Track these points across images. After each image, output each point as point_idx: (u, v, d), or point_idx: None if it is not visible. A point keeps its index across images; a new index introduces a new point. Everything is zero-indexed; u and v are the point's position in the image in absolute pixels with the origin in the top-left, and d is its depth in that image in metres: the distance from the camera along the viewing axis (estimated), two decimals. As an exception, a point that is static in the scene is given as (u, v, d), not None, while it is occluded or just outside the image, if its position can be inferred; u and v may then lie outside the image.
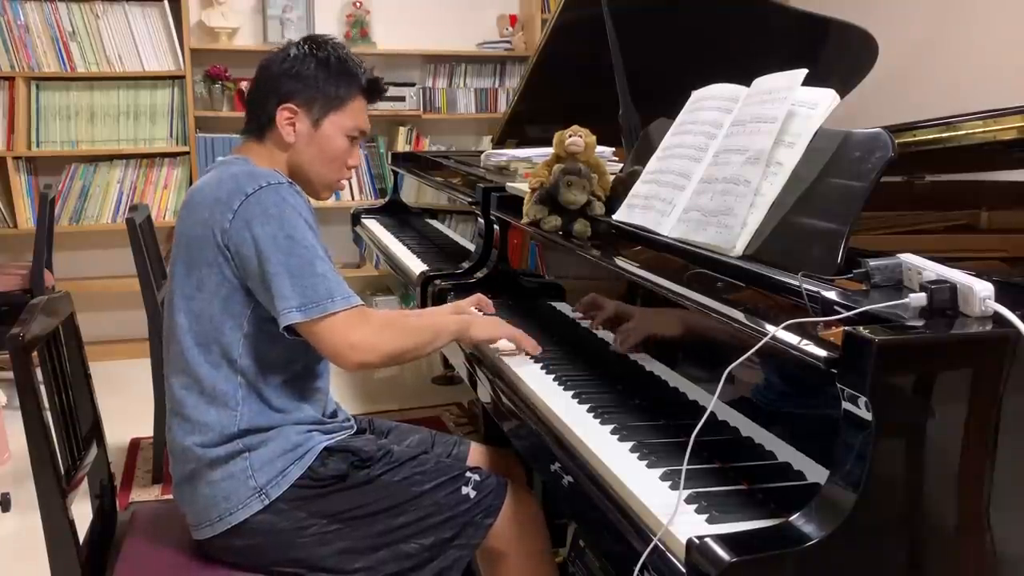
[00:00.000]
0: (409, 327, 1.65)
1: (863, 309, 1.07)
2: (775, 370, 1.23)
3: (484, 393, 1.81)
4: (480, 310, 1.93)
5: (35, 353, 1.46)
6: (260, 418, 1.56)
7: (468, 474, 1.63)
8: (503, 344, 1.77)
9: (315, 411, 1.65)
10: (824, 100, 1.40)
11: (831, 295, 1.14)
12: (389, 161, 4.11)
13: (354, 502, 1.57)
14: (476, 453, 1.89)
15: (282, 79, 1.65)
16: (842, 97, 1.42)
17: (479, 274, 2.35)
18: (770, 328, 1.13)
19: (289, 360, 1.59)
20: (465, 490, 1.60)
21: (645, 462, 1.29)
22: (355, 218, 3.75)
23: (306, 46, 1.67)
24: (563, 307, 1.98)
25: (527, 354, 1.75)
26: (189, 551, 1.59)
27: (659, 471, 1.25)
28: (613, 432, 1.40)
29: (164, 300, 1.66)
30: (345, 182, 1.76)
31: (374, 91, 1.73)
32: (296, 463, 1.56)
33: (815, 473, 1.14)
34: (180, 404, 1.58)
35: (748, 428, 1.29)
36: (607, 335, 1.75)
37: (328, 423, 1.67)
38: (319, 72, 1.65)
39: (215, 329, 1.55)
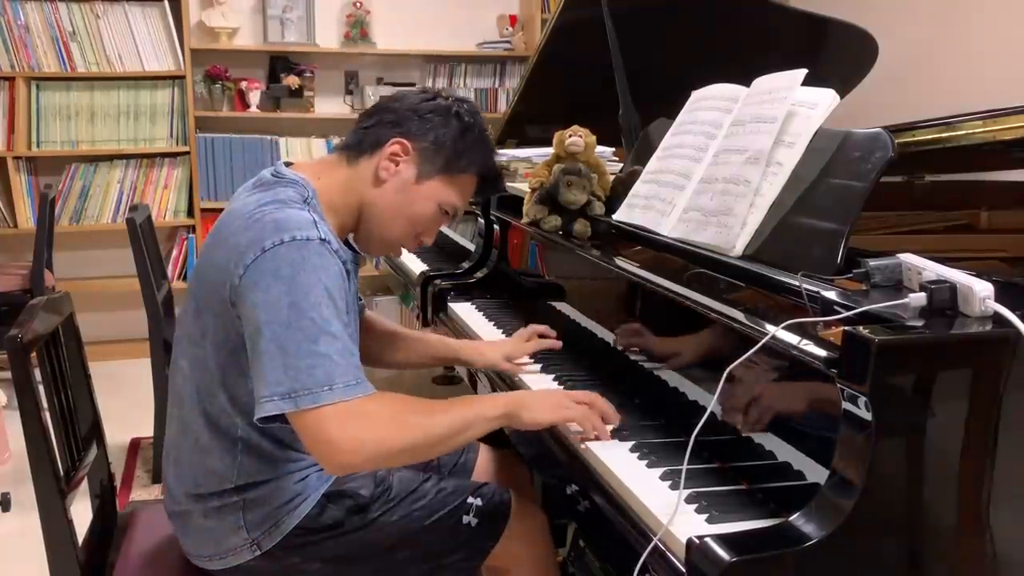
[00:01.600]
0: (422, 419, 1.35)
1: (863, 309, 1.07)
2: (775, 370, 1.23)
3: (484, 393, 1.81)
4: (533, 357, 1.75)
5: (35, 353, 1.46)
6: (258, 474, 1.45)
7: (469, 500, 1.54)
8: (574, 427, 1.42)
9: None
10: (824, 100, 1.40)
11: (831, 295, 1.14)
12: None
13: (351, 546, 1.50)
14: (484, 458, 1.84)
15: (413, 117, 1.48)
16: (842, 97, 1.42)
17: (479, 274, 2.36)
18: (770, 328, 1.13)
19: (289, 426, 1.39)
20: (466, 519, 1.52)
21: (645, 462, 1.29)
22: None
23: (455, 104, 1.51)
24: (563, 307, 1.98)
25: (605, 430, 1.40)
26: (189, 551, 1.59)
27: (659, 471, 1.25)
28: (613, 432, 1.40)
29: (176, 330, 1.52)
30: (402, 251, 1.58)
31: (490, 183, 1.58)
32: (291, 514, 1.47)
33: (815, 473, 1.14)
34: (176, 446, 1.49)
35: (748, 428, 1.29)
36: (607, 335, 1.74)
37: None
38: (455, 134, 1.49)
39: (214, 384, 1.41)
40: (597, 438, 1.37)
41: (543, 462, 1.49)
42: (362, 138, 1.50)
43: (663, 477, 1.23)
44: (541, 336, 1.79)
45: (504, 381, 1.73)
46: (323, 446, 1.27)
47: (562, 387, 1.61)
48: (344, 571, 1.51)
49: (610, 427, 1.40)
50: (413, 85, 4.80)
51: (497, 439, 1.93)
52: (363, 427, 1.28)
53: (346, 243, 1.54)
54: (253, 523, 1.45)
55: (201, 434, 1.44)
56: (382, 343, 1.82)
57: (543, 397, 1.45)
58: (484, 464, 1.84)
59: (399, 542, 1.50)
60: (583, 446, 1.36)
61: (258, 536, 1.45)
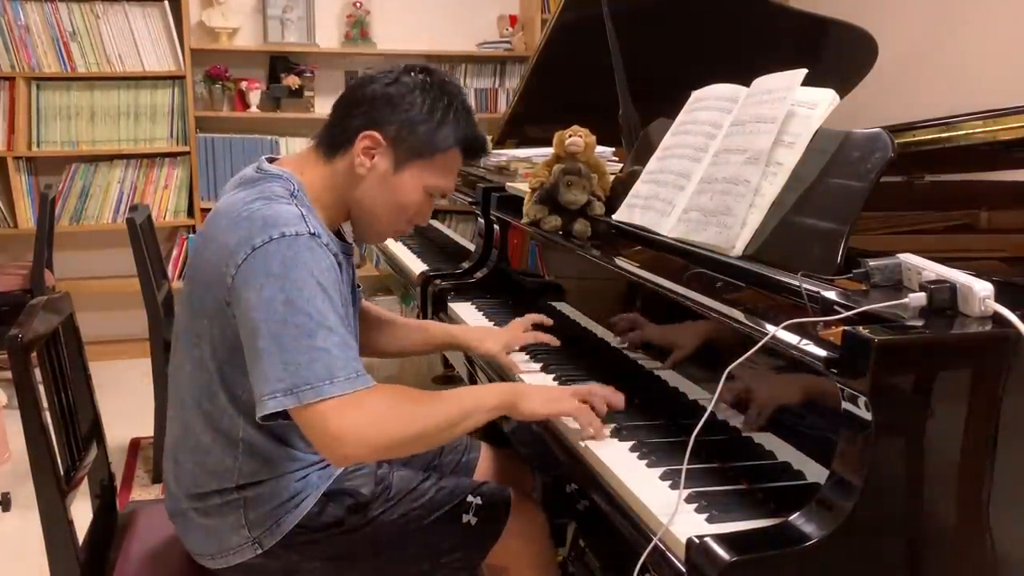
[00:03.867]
0: (422, 409, 1.35)
1: (863, 309, 1.07)
2: (775, 370, 1.23)
3: (484, 393, 1.81)
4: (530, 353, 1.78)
5: (35, 353, 1.46)
6: (259, 472, 1.45)
7: (469, 499, 1.53)
8: (572, 424, 1.43)
9: (315, 453, 1.48)
10: (824, 100, 1.40)
11: (831, 295, 1.14)
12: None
13: (351, 545, 1.50)
14: (485, 458, 1.83)
15: (378, 102, 1.43)
16: (842, 97, 1.42)
17: (479, 274, 2.36)
18: (770, 328, 1.13)
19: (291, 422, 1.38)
20: (466, 518, 1.52)
21: (645, 462, 1.29)
22: (355, 218, 3.74)
23: (420, 75, 1.45)
24: (563, 307, 1.98)
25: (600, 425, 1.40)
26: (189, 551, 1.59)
27: (659, 471, 1.25)
28: (613, 432, 1.40)
29: (173, 331, 1.51)
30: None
31: (474, 152, 1.53)
32: (292, 512, 1.46)
33: (815, 473, 1.14)
34: (177, 446, 1.48)
35: (748, 428, 1.29)
36: (607, 335, 1.75)
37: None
38: (425, 111, 1.43)
39: (214, 384, 1.41)
40: (593, 436, 1.37)
41: (543, 461, 1.50)
42: (335, 132, 1.46)
43: (663, 477, 1.23)
44: (536, 325, 1.81)
45: (500, 379, 1.72)
46: (328, 439, 1.27)
47: (561, 387, 1.61)
48: (344, 569, 1.51)
49: (608, 428, 1.40)
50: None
51: (497, 439, 1.94)
52: (366, 419, 1.27)
53: (336, 234, 1.52)
54: (254, 522, 1.45)
55: (202, 435, 1.44)
56: (380, 332, 1.82)
57: (541, 390, 1.45)
58: (485, 464, 1.84)
59: (399, 540, 1.50)
60: (583, 445, 1.36)
61: (259, 534, 1.45)
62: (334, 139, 1.46)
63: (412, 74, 1.46)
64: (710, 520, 1.10)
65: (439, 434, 1.37)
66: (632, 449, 1.33)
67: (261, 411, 1.27)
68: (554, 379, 1.66)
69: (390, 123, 1.43)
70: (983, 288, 1.04)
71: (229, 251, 1.32)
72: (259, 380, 1.27)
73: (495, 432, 1.90)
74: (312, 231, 1.33)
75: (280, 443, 1.46)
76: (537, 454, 1.55)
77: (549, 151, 1.93)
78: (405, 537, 1.51)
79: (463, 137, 1.48)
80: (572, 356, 1.79)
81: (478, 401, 1.39)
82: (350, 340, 1.32)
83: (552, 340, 1.78)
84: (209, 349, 1.40)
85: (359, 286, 1.66)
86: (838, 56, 2.80)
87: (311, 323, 1.27)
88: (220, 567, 1.49)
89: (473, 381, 1.89)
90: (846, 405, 1.02)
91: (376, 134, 1.43)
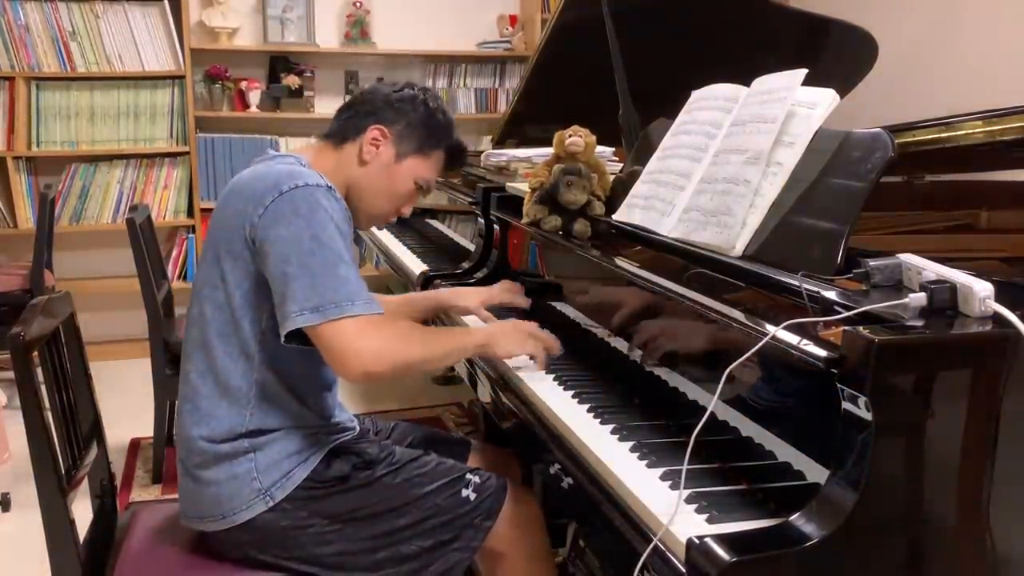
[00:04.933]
0: (424, 337, 1.61)
1: (863, 309, 1.07)
2: (775, 370, 1.23)
3: (484, 393, 1.81)
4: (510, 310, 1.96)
5: (36, 353, 1.46)
6: (269, 419, 1.56)
7: (468, 476, 1.63)
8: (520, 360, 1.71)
9: (322, 414, 1.65)
10: (824, 100, 1.40)
11: (831, 295, 1.14)
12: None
13: (355, 503, 1.57)
14: (476, 452, 1.90)
15: (387, 107, 1.69)
16: (842, 97, 1.43)
17: (479, 274, 2.36)
18: (770, 328, 1.13)
19: (304, 361, 1.57)
20: (465, 492, 1.60)
21: (645, 462, 1.29)
22: (355, 218, 3.75)
23: (421, 93, 1.73)
24: (563, 307, 1.98)
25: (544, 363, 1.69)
26: (189, 551, 1.59)
27: (659, 471, 1.25)
28: (613, 432, 1.40)
29: (192, 285, 1.65)
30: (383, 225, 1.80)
31: (456, 156, 1.78)
32: (301, 465, 1.57)
33: (815, 473, 1.14)
34: (193, 392, 1.57)
35: (748, 428, 1.29)
36: (607, 335, 1.75)
37: (333, 426, 1.67)
38: (423, 117, 1.70)
39: (235, 322, 1.54)
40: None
41: (541, 459, 1.50)
42: (344, 127, 1.70)
43: (663, 477, 1.23)
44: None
45: (505, 382, 1.73)
46: (348, 355, 1.45)
47: (562, 387, 1.61)
48: (347, 531, 1.56)
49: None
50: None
51: (497, 438, 1.94)
52: (383, 338, 1.47)
53: None
54: (265, 471, 1.54)
55: (219, 375, 1.55)
56: None
57: (510, 334, 1.68)
58: (475, 456, 1.87)
59: (401, 505, 1.58)
60: (582, 445, 1.37)
61: (270, 486, 1.54)
62: (345, 132, 1.70)
63: (414, 89, 1.74)
64: (710, 520, 1.10)
65: (437, 361, 1.62)
66: (632, 449, 1.33)
67: (289, 327, 1.45)
68: (554, 379, 1.66)
69: (395, 122, 1.69)
70: (983, 288, 1.05)
71: (257, 196, 1.51)
72: (287, 301, 1.45)
73: (495, 432, 1.91)
74: (329, 185, 1.54)
75: (291, 394, 1.57)
76: (534, 451, 1.55)
77: (549, 151, 1.93)
78: (407, 503, 1.58)
79: (450, 142, 1.76)
80: (573, 356, 1.79)
81: (465, 338, 1.68)
82: (362, 279, 1.51)
83: (524, 302, 1.97)
84: (232, 288, 1.53)
85: None
86: (838, 56, 2.81)
87: (334, 256, 1.47)
88: (228, 527, 1.54)
89: (473, 382, 1.89)
90: (846, 405, 1.02)
91: (384, 128, 1.68)
